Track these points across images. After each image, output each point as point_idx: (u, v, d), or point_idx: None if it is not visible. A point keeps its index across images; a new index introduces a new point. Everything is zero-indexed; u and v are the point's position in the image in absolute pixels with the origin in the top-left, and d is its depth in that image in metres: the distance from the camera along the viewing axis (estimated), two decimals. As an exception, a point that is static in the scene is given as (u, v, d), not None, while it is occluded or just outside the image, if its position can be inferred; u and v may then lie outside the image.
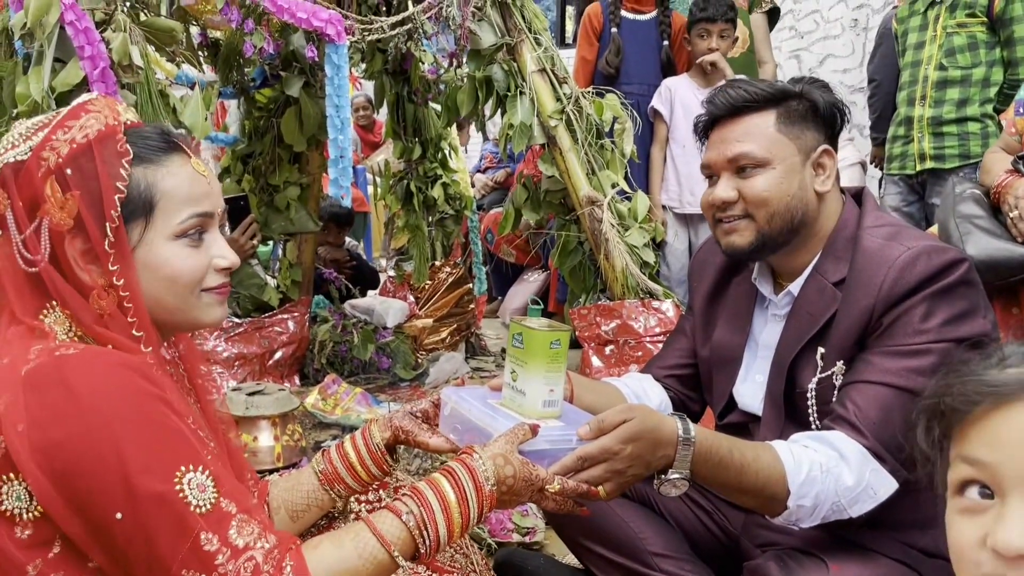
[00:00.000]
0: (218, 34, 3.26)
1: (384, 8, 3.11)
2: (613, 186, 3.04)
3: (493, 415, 1.26)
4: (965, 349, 1.30)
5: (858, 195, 1.54)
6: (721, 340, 1.62)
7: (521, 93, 3.01)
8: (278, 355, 3.36)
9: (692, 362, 1.72)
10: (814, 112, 1.48)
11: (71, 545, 0.97)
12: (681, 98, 3.77)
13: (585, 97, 3.10)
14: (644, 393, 1.68)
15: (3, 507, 0.96)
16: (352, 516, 1.37)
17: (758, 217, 1.45)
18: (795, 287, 1.50)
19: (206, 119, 2.44)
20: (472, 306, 4.18)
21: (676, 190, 3.84)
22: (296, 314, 3.44)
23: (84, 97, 1.09)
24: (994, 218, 2.27)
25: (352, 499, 1.40)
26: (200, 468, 0.98)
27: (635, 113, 3.24)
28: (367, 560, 1.04)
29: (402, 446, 1.39)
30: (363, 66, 3.59)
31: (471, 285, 4.20)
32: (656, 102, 3.84)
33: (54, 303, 1.05)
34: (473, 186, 5.24)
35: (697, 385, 1.73)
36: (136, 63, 2.26)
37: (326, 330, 3.56)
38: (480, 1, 2.96)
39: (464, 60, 3.09)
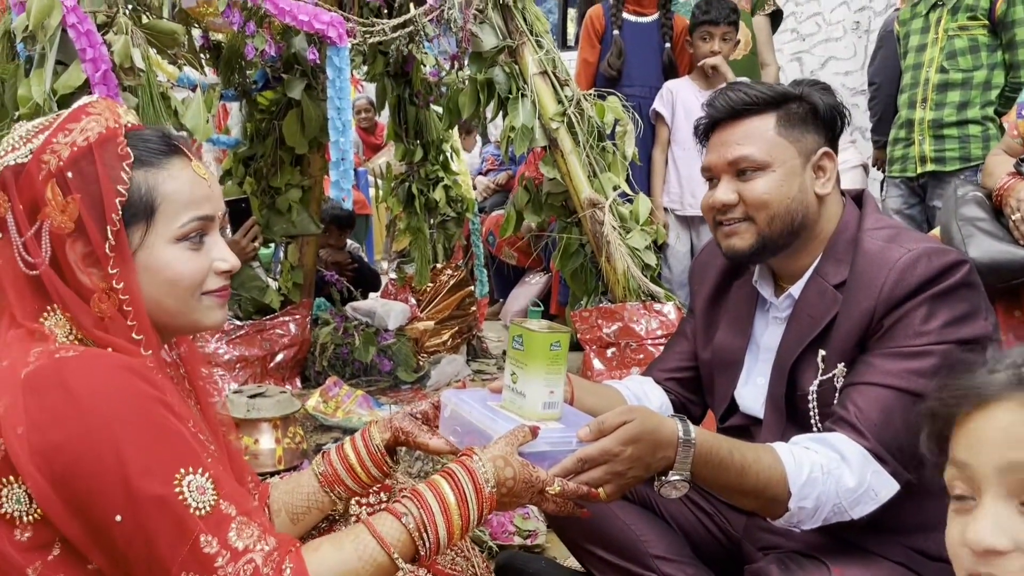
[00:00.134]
0: (220, 36, 3.26)
1: (386, 11, 3.11)
2: (615, 188, 3.03)
3: (493, 417, 1.25)
4: (966, 351, 1.30)
5: (858, 197, 1.54)
6: (722, 343, 1.62)
7: (523, 95, 3.01)
8: (279, 357, 3.36)
9: (693, 365, 1.72)
10: (814, 115, 1.47)
11: (71, 547, 0.97)
12: (683, 100, 3.77)
13: (587, 99, 3.09)
14: (645, 396, 1.68)
15: (3, 510, 0.96)
16: (353, 519, 1.37)
17: (758, 220, 1.45)
18: (796, 290, 1.49)
19: (208, 121, 2.44)
20: (473, 308, 4.18)
21: (678, 192, 3.84)
22: (297, 316, 3.44)
23: (85, 99, 1.09)
24: (996, 221, 2.26)
25: (353, 502, 1.40)
26: (200, 470, 0.98)
27: (637, 115, 3.24)
28: (367, 562, 1.04)
29: (403, 448, 1.39)
30: (365, 68, 3.59)
31: (472, 287, 4.20)
32: (658, 104, 3.84)
33: (55, 306, 1.05)
34: (475, 188, 5.24)
35: (698, 388, 1.72)
36: (138, 66, 2.26)
37: (327, 332, 3.55)
38: (481, 3, 2.96)
39: (466, 62, 3.09)
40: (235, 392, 2.62)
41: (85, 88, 2.18)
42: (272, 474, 2.37)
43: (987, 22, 3.39)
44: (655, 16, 4.00)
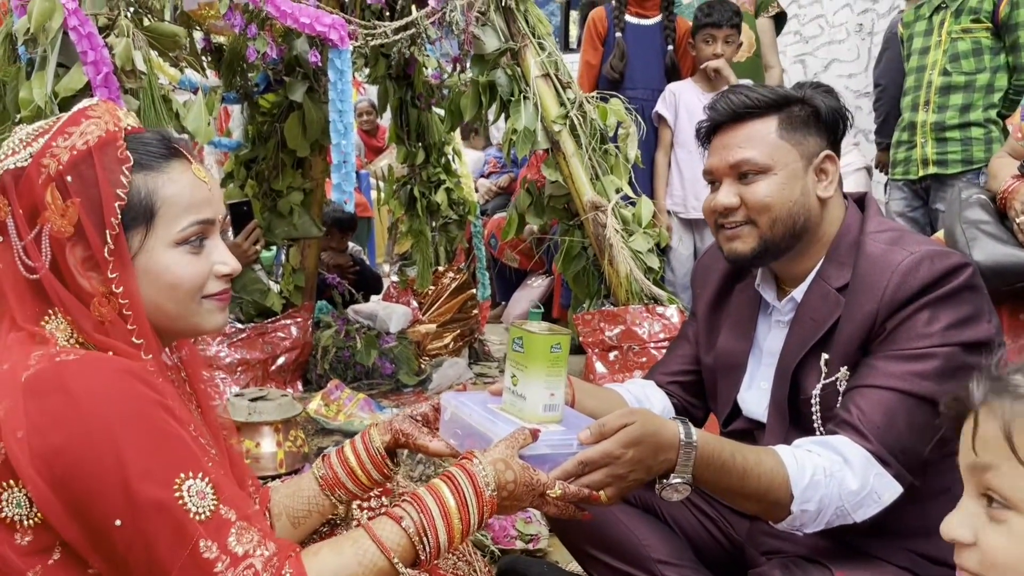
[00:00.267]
0: (221, 39, 3.26)
1: (388, 13, 3.11)
2: (617, 191, 3.03)
3: (493, 420, 1.25)
4: (969, 353, 1.30)
5: (861, 200, 1.53)
6: (725, 347, 1.62)
7: (525, 98, 3.01)
8: (281, 361, 3.36)
9: (695, 368, 1.71)
10: (816, 118, 1.47)
11: (71, 552, 0.97)
12: (686, 103, 3.76)
13: (589, 102, 3.09)
14: (646, 399, 1.68)
15: (3, 514, 0.96)
16: (354, 523, 1.37)
17: (760, 223, 1.45)
18: (798, 293, 1.49)
19: (209, 124, 2.44)
20: (475, 311, 4.18)
21: (681, 195, 3.84)
22: (299, 319, 3.44)
23: (85, 102, 1.09)
24: (1001, 224, 2.26)
25: (355, 506, 1.39)
26: (200, 475, 0.98)
27: (639, 118, 3.23)
28: (367, 567, 1.04)
29: (405, 452, 1.38)
30: (367, 71, 3.60)
31: (474, 290, 4.20)
32: (660, 107, 3.84)
33: (55, 310, 1.04)
34: (476, 191, 5.24)
35: (700, 391, 1.72)
36: (139, 68, 2.26)
37: (329, 335, 3.55)
38: (484, 6, 2.96)
39: (468, 65, 3.09)
40: (236, 395, 2.62)
41: (86, 91, 2.18)
42: (273, 478, 2.37)
43: (990, 25, 3.39)
44: (658, 18, 4.00)
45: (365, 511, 1.39)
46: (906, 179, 3.66)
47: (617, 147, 3.12)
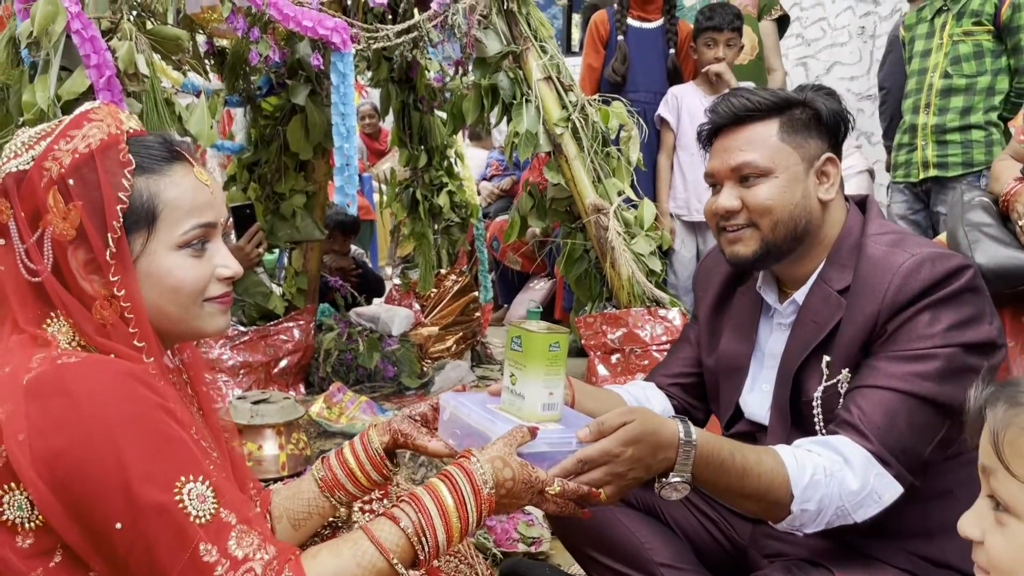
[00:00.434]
0: (224, 42, 3.26)
1: (390, 16, 3.11)
2: (619, 194, 3.03)
3: (492, 419, 1.24)
4: (971, 354, 1.30)
5: (862, 203, 1.53)
6: (727, 350, 1.62)
7: (527, 101, 3.01)
8: (283, 363, 3.36)
9: (696, 371, 1.71)
10: (817, 120, 1.47)
11: (72, 554, 0.97)
12: (688, 106, 3.77)
13: (591, 105, 3.09)
14: (647, 400, 1.68)
15: (4, 516, 0.96)
16: (356, 526, 1.37)
17: (762, 226, 1.45)
18: (800, 295, 1.49)
19: (212, 127, 2.45)
20: (478, 314, 4.18)
21: (684, 197, 3.84)
22: (301, 322, 3.44)
23: (87, 106, 1.09)
24: (1003, 226, 2.25)
25: (357, 509, 1.39)
26: (201, 478, 0.98)
27: (641, 121, 3.23)
28: (366, 568, 1.04)
29: (407, 455, 1.38)
30: (369, 74, 3.60)
31: (477, 293, 4.20)
32: (663, 110, 3.84)
33: (57, 312, 1.05)
34: (479, 194, 5.24)
35: (701, 394, 1.72)
36: (142, 71, 2.27)
37: (331, 338, 3.55)
38: (486, 9, 2.96)
39: (470, 68, 3.09)
40: (239, 398, 2.62)
41: (89, 94, 2.18)
42: (275, 480, 2.37)
43: (992, 27, 3.39)
44: (659, 22, 4.01)
45: (367, 515, 1.39)
46: (907, 182, 3.66)
47: (619, 150, 3.12)
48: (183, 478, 0.97)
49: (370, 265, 5.15)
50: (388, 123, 4.94)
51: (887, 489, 1.29)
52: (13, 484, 0.95)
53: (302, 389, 3.45)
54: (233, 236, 3.25)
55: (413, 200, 3.95)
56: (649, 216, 3.06)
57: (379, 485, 1.34)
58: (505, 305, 5.43)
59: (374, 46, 2.87)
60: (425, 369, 3.70)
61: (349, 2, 3.01)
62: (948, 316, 1.31)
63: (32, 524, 0.96)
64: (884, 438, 1.29)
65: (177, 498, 0.95)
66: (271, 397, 2.61)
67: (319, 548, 1.06)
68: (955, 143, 3.46)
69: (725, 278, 1.66)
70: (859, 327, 1.36)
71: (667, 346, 2.80)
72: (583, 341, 3.07)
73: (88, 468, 0.93)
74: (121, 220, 1.03)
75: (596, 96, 3.22)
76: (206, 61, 3.24)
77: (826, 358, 1.40)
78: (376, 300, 4.48)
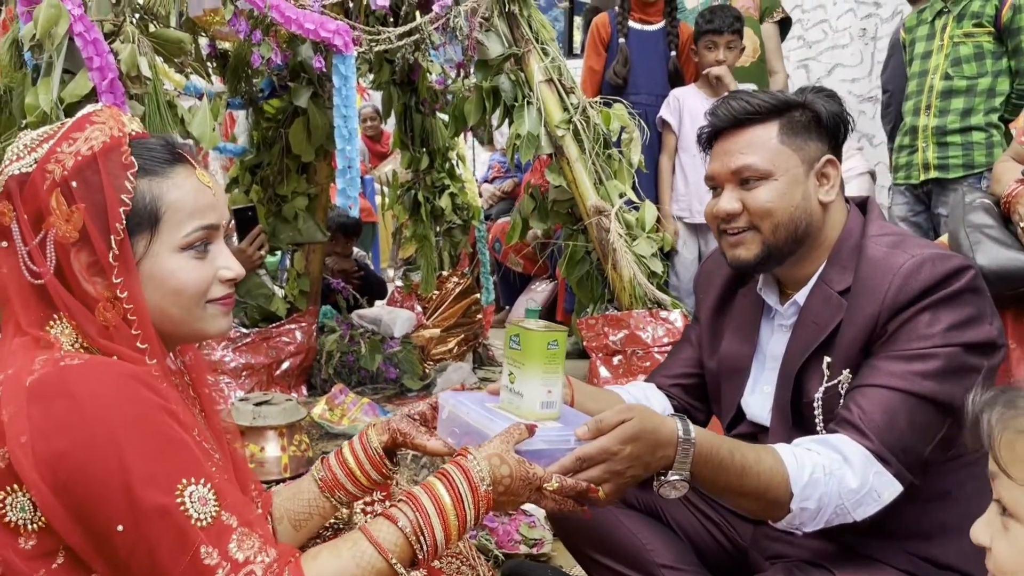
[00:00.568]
0: (226, 45, 3.27)
1: (391, 19, 3.12)
2: (620, 196, 3.03)
3: (490, 417, 1.24)
4: (971, 354, 1.30)
5: (863, 204, 1.54)
6: (729, 352, 1.62)
7: (528, 103, 3.01)
8: (285, 365, 3.36)
9: (697, 372, 1.71)
10: (817, 122, 1.47)
11: (74, 556, 0.97)
12: (689, 108, 3.77)
13: (592, 107, 3.09)
14: (647, 401, 1.67)
15: (7, 518, 0.96)
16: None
17: (763, 228, 1.45)
18: (801, 297, 1.49)
19: (214, 130, 2.45)
20: (479, 316, 4.18)
21: (686, 199, 3.84)
22: (304, 324, 3.44)
23: (89, 108, 1.09)
24: (1005, 228, 2.26)
25: (359, 510, 1.39)
26: (202, 481, 0.98)
27: (643, 123, 3.24)
28: (365, 569, 1.04)
29: (409, 456, 1.38)
30: (371, 77, 3.60)
31: (478, 295, 4.20)
32: (664, 112, 3.84)
33: (60, 314, 1.05)
34: (480, 196, 5.24)
35: (702, 395, 1.72)
36: (144, 74, 2.27)
37: (333, 340, 3.56)
38: (487, 12, 2.97)
39: (471, 70, 3.09)
40: (241, 400, 2.63)
41: (92, 96, 2.19)
42: (278, 482, 2.38)
43: (993, 29, 3.39)
44: (661, 24, 4.01)
45: (369, 515, 1.39)
46: (908, 183, 3.66)
47: (620, 152, 3.12)
48: (185, 480, 0.97)
49: (372, 267, 5.16)
50: (390, 125, 4.95)
51: (886, 487, 1.29)
52: (16, 486, 0.95)
53: (304, 391, 3.45)
54: (235, 238, 3.26)
55: (415, 202, 3.96)
56: (650, 218, 3.06)
57: (379, 485, 1.34)
58: (507, 307, 5.43)
59: (376, 49, 2.88)
60: (427, 371, 3.71)
61: (351, 5, 3.02)
62: (948, 316, 1.31)
63: (34, 526, 0.96)
64: (884, 436, 1.29)
65: (179, 500, 0.95)
66: (273, 399, 2.62)
67: (319, 549, 1.06)
68: (956, 145, 3.46)
69: (726, 280, 1.66)
70: (860, 328, 1.37)
71: (668, 348, 2.80)
72: (585, 343, 3.07)
73: (90, 470, 0.93)
74: (124, 222, 1.03)
75: (597, 98, 3.22)
76: (208, 64, 3.24)
77: (827, 359, 1.40)
78: (378, 302, 4.49)
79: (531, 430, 1.18)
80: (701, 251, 3.88)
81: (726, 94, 1.58)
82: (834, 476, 1.27)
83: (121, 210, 1.03)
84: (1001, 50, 3.41)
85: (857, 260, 1.42)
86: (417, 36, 2.91)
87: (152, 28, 2.42)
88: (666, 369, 1.76)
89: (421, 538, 1.07)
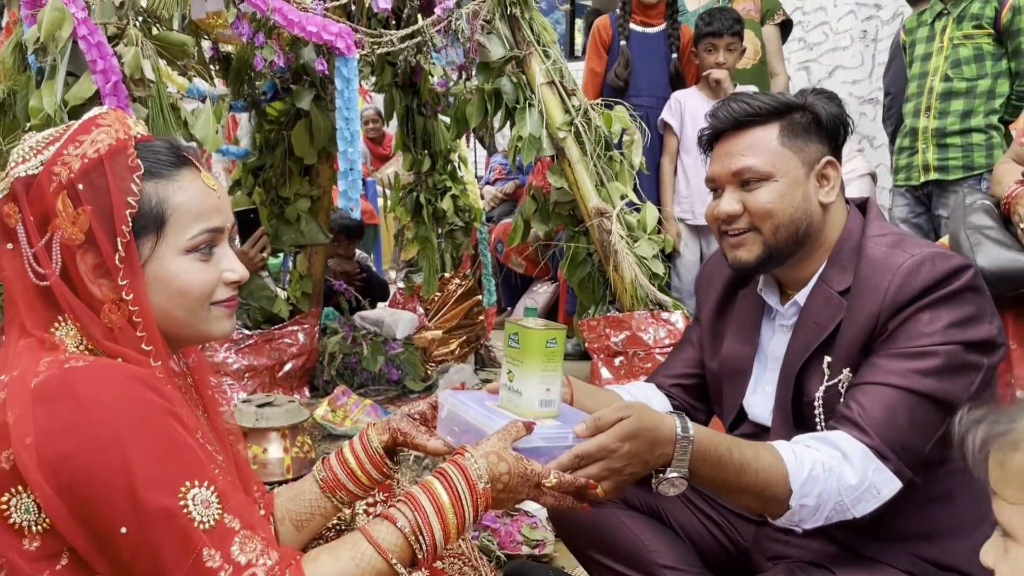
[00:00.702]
0: (229, 48, 3.28)
1: (394, 21, 3.12)
2: (622, 198, 3.03)
3: (490, 416, 1.24)
4: (971, 352, 1.31)
5: (862, 205, 1.54)
6: (730, 352, 1.62)
7: (530, 105, 3.01)
8: (288, 367, 3.37)
9: (698, 372, 1.71)
10: (817, 124, 1.48)
11: (78, 558, 0.98)
12: (691, 110, 3.77)
13: (594, 109, 3.10)
14: (647, 401, 1.67)
15: (11, 520, 0.97)
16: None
17: (764, 230, 1.46)
18: (801, 297, 1.50)
19: (217, 132, 2.46)
20: (481, 318, 4.18)
21: (687, 201, 3.84)
22: (306, 326, 3.44)
23: (95, 111, 1.10)
24: (1005, 229, 2.26)
25: (361, 511, 1.40)
26: (206, 483, 0.98)
27: (644, 125, 3.24)
28: (365, 569, 1.04)
29: (411, 457, 1.39)
30: (373, 79, 3.60)
31: (480, 297, 4.20)
32: (666, 114, 3.85)
33: (65, 316, 1.05)
34: (482, 198, 5.25)
35: (703, 395, 1.72)
36: (148, 77, 2.28)
37: (336, 342, 3.56)
38: (489, 14, 2.97)
39: (473, 73, 3.10)
40: (244, 401, 2.63)
41: (96, 99, 2.19)
42: (280, 483, 2.38)
43: (992, 31, 3.39)
44: (662, 26, 4.01)
45: (371, 516, 1.40)
46: (908, 185, 3.66)
47: (622, 154, 3.13)
48: (188, 483, 0.97)
49: (374, 269, 5.16)
50: (392, 128, 4.95)
51: (886, 484, 1.29)
52: (20, 487, 0.95)
53: (307, 392, 3.46)
54: (237, 241, 3.26)
55: (417, 204, 3.96)
56: (652, 219, 3.07)
57: (380, 484, 1.35)
58: (509, 308, 5.43)
59: (378, 51, 2.89)
60: (429, 372, 3.71)
61: (353, 7, 3.02)
62: (948, 314, 1.32)
63: (39, 527, 0.96)
64: (883, 433, 1.29)
65: (182, 503, 0.96)
66: (276, 400, 2.62)
67: (319, 551, 1.06)
68: (956, 146, 3.46)
69: (727, 281, 1.66)
70: (860, 327, 1.37)
71: (670, 349, 2.80)
72: (586, 344, 3.07)
73: (94, 472, 0.94)
74: (130, 224, 1.04)
75: (599, 100, 3.23)
76: (211, 66, 3.25)
77: (827, 359, 1.41)
78: (380, 304, 4.49)
79: (529, 427, 1.18)
80: (703, 253, 3.88)
81: (726, 96, 1.58)
82: (833, 472, 1.27)
83: (127, 212, 1.03)
84: (1001, 52, 3.41)
85: (857, 260, 1.42)
86: (419, 39, 2.92)
87: (155, 31, 2.42)
88: (667, 369, 1.77)
89: (420, 538, 1.07)
